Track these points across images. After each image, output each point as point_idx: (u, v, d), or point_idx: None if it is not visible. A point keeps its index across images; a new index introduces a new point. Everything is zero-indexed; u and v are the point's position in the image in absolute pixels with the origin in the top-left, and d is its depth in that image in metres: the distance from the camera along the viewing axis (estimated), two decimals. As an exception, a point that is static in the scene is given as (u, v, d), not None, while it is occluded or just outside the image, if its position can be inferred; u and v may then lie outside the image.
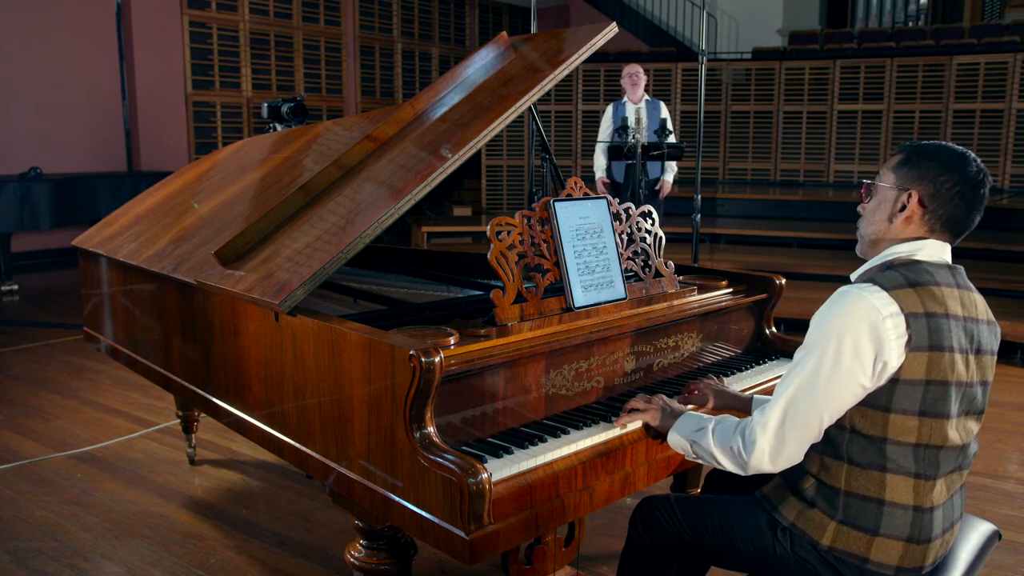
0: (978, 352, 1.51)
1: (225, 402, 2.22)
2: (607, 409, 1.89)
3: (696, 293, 2.25)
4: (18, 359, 5.07)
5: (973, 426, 1.54)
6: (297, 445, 1.89)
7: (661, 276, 2.20)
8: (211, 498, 3.12)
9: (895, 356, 1.43)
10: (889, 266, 1.53)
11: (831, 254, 7.36)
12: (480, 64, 2.45)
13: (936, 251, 1.54)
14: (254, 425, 2.08)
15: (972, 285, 1.57)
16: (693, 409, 1.89)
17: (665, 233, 2.23)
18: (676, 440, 1.73)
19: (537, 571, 2.15)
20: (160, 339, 2.59)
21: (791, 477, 1.62)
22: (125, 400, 4.27)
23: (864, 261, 1.63)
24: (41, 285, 7.57)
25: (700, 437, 1.66)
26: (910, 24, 12.29)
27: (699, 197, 5.79)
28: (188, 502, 3.08)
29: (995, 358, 1.57)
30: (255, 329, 2.01)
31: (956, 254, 1.59)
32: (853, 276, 1.62)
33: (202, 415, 3.36)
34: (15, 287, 7.08)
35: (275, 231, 2.17)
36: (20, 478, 3.28)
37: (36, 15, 8.19)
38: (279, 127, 5.35)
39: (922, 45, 9.99)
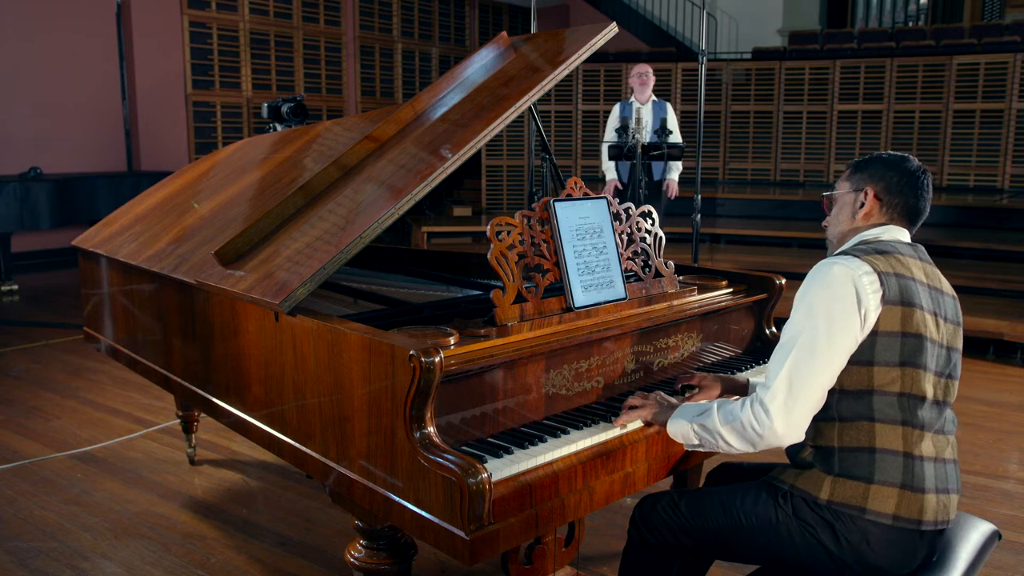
0: (945, 319, 1.65)
1: (225, 402, 2.22)
2: (607, 409, 1.89)
3: (696, 293, 2.25)
4: (18, 359, 5.07)
5: (951, 389, 1.64)
6: (297, 445, 1.89)
7: (661, 276, 2.20)
8: (211, 498, 3.12)
9: (873, 307, 1.56)
10: (857, 244, 1.70)
11: (831, 254, 7.34)
12: (480, 64, 2.45)
13: (896, 234, 1.71)
14: (254, 425, 2.08)
15: (933, 262, 1.71)
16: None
17: (665, 233, 2.23)
18: (678, 427, 1.73)
19: (537, 571, 2.15)
20: (160, 339, 2.59)
21: (790, 453, 1.71)
22: (125, 400, 4.27)
23: None
24: (41, 285, 7.57)
25: (705, 419, 1.67)
26: (910, 24, 12.28)
27: (699, 197, 5.80)
28: (188, 502, 3.08)
29: (961, 330, 1.70)
30: (255, 329, 2.01)
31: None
32: None
33: (202, 415, 3.36)
34: (15, 287, 7.08)
35: (275, 231, 2.16)
36: (20, 478, 3.29)
37: (36, 15, 8.19)
38: (279, 127, 5.35)
39: (922, 45, 9.99)
